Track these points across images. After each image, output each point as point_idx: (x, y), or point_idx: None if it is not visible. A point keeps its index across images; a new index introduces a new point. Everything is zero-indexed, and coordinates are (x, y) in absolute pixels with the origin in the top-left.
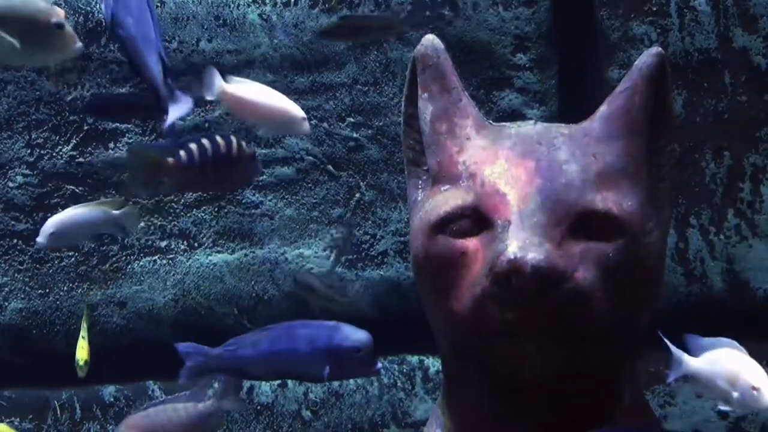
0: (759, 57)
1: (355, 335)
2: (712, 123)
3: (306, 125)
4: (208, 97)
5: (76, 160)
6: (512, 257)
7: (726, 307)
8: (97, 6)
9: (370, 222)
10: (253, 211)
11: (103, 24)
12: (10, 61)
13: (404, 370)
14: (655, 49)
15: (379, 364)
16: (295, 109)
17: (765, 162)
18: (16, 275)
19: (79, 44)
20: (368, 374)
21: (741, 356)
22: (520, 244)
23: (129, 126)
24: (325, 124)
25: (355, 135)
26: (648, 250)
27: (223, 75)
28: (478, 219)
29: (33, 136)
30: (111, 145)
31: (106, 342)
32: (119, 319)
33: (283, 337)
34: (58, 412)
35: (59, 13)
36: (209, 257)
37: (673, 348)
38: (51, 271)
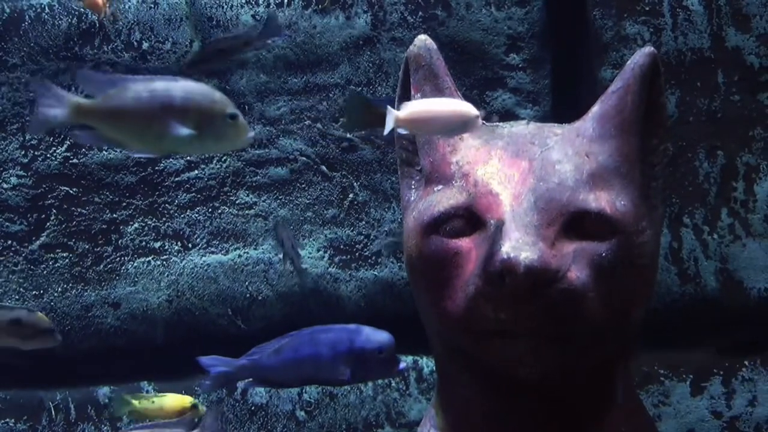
0: (752, 56)
1: (377, 336)
2: (705, 122)
3: (480, 121)
4: (387, 131)
5: (71, 161)
6: (505, 257)
7: (720, 306)
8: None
9: (363, 222)
10: (246, 211)
11: (97, 26)
12: (187, 151)
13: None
14: (648, 49)
15: (403, 364)
16: (467, 109)
17: (758, 161)
18: (10, 276)
19: (252, 134)
20: (391, 375)
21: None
22: (514, 243)
23: None
24: (318, 125)
25: (348, 135)
26: (641, 249)
27: (222, 75)
28: (471, 219)
29: (27, 138)
30: (105, 146)
31: (101, 342)
32: (113, 320)
33: (305, 343)
34: (53, 412)
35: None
36: (203, 258)
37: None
38: (45, 272)
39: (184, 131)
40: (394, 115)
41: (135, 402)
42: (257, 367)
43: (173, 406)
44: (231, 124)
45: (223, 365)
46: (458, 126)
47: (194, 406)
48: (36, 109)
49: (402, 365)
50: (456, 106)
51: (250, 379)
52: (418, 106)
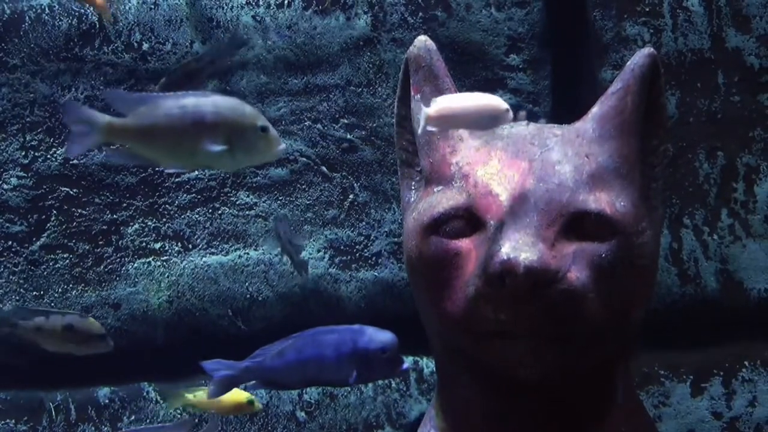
0: (752, 57)
1: (380, 337)
2: (705, 123)
3: (510, 114)
4: (422, 130)
5: (71, 162)
6: (505, 258)
7: (720, 307)
8: (91, 8)
9: (363, 223)
10: (247, 212)
11: (97, 27)
12: (218, 166)
13: None
14: (648, 50)
15: (406, 364)
16: (497, 103)
17: (758, 162)
18: (10, 277)
19: (283, 146)
20: (395, 374)
21: None
22: (513, 244)
23: None
24: (318, 126)
25: (348, 136)
26: (641, 249)
27: (223, 76)
28: (471, 219)
29: (27, 138)
30: (104, 147)
31: None
32: (113, 320)
33: (308, 344)
34: (53, 413)
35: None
36: (203, 259)
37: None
38: (45, 273)
39: (216, 146)
40: (425, 113)
41: (189, 396)
42: (261, 369)
43: (230, 400)
44: (262, 137)
45: (227, 368)
46: (489, 120)
47: (250, 402)
48: (69, 131)
49: (405, 365)
50: (486, 100)
51: (254, 382)
52: (448, 103)
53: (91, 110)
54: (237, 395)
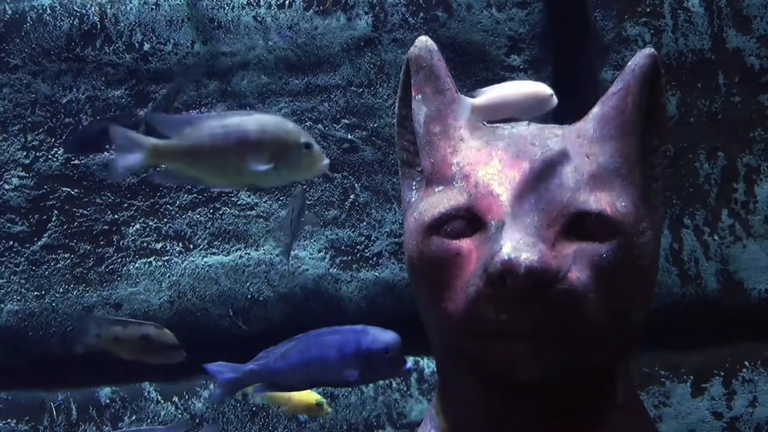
0: (752, 58)
1: (383, 336)
2: (705, 124)
3: (554, 99)
4: (463, 121)
5: (72, 162)
6: (506, 258)
7: (720, 307)
8: (92, 8)
9: (364, 223)
10: (248, 212)
11: (98, 27)
12: (263, 183)
13: None
14: (648, 50)
15: (409, 364)
16: (540, 89)
17: (759, 162)
18: (12, 277)
19: (326, 161)
20: (399, 374)
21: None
22: (514, 244)
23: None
24: (319, 126)
25: (349, 136)
26: (641, 250)
27: (219, 76)
28: (472, 220)
29: (29, 139)
30: (106, 147)
31: None
32: None
33: (312, 345)
34: (54, 413)
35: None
36: (204, 259)
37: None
38: (47, 273)
39: (261, 165)
40: (468, 104)
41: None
42: (265, 371)
43: (299, 401)
44: (306, 153)
45: (231, 372)
46: (533, 107)
47: (319, 404)
48: (114, 155)
49: (409, 364)
50: (530, 87)
51: (258, 384)
52: (493, 92)
53: (136, 134)
54: (307, 396)
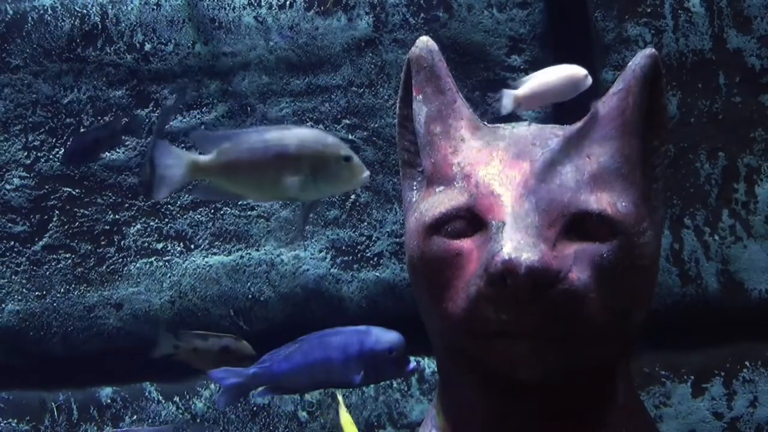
0: (753, 58)
1: (387, 337)
2: (706, 124)
3: (589, 79)
4: (506, 112)
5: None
6: (507, 258)
7: (721, 307)
8: (93, 9)
9: (365, 223)
10: (249, 212)
11: (99, 27)
12: (302, 197)
13: None
14: (649, 50)
15: (413, 364)
16: (574, 71)
17: (759, 163)
18: (12, 277)
19: (367, 173)
20: (402, 375)
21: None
22: (515, 244)
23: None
24: (320, 126)
25: (350, 137)
26: (642, 250)
27: (220, 77)
28: (472, 220)
29: (30, 139)
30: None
31: (103, 343)
32: (116, 320)
33: (315, 347)
34: (55, 413)
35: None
36: (205, 259)
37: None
38: (48, 273)
39: (300, 179)
40: (512, 96)
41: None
42: (269, 374)
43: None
44: (346, 166)
45: (234, 376)
46: (571, 89)
47: None
48: (156, 171)
49: (412, 365)
50: (565, 71)
51: (263, 388)
52: (533, 81)
53: (177, 149)
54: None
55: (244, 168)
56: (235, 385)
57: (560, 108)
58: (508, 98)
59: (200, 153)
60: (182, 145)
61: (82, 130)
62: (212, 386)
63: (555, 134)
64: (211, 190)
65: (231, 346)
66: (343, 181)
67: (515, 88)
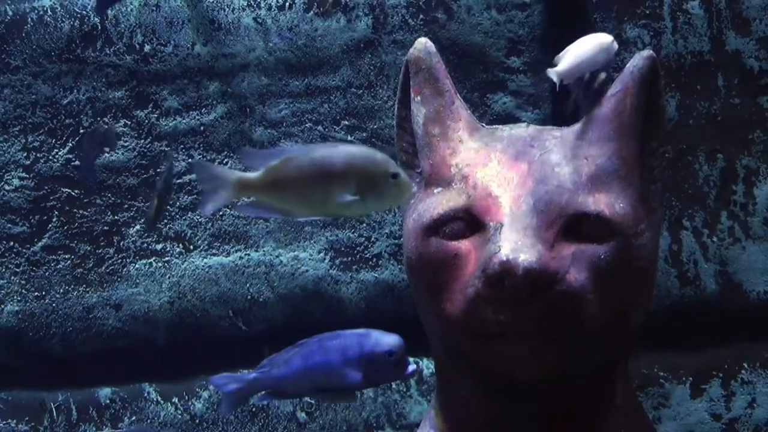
0: (752, 60)
1: (387, 339)
2: (705, 125)
3: (615, 44)
4: (559, 88)
5: (73, 163)
6: (504, 259)
7: (719, 309)
8: (93, 10)
9: (364, 224)
10: None
11: (99, 28)
12: (349, 213)
13: None
14: (647, 52)
15: (413, 366)
16: (602, 38)
17: (758, 164)
18: (12, 278)
19: (414, 189)
20: (403, 377)
21: None
22: (513, 246)
23: (124, 129)
24: (319, 127)
25: (349, 138)
26: (640, 251)
27: (220, 78)
28: (470, 221)
29: (29, 140)
30: (107, 148)
31: (102, 344)
32: (115, 321)
33: (314, 351)
34: (55, 413)
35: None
36: (204, 260)
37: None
38: (47, 273)
39: (347, 197)
40: (555, 74)
41: None
42: (269, 379)
43: None
44: (393, 183)
45: (235, 382)
46: (602, 56)
47: None
48: (201, 190)
49: (413, 367)
50: (593, 40)
51: (263, 393)
52: (569, 56)
53: (222, 168)
54: None
55: (291, 185)
56: (234, 392)
57: (559, 110)
58: (553, 76)
59: (246, 170)
60: (182, 147)
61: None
62: (211, 387)
63: (553, 136)
64: (256, 208)
65: None
66: (390, 198)
67: (555, 65)
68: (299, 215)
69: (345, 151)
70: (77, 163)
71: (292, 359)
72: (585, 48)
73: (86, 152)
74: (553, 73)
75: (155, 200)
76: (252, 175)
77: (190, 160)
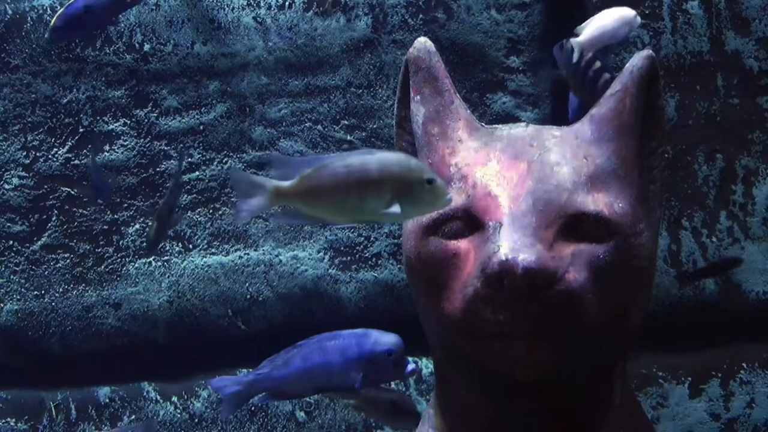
0: (751, 60)
1: (385, 339)
2: (704, 125)
3: (638, 18)
4: (576, 59)
5: (72, 162)
6: (504, 259)
7: (718, 309)
8: None
9: (363, 224)
10: None
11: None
12: (385, 220)
13: None
14: (646, 52)
15: (412, 365)
16: (624, 12)
17: (757, 164)
18: (11, 277)
19: (449, 196)
20: (402, 377)
21: None
22: (512, 245)
23: (124, 128)
24: (319, 127)
25: (349, 137)
26: (639, 251)
27: (219, 77)
28: (469, 220)
29: (29, 139)
30: (106, 147)
31: (101, 343)
32: (114, 320)
33: (314, 352)
34: (54, 412)
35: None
36: (204, 259)
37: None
38: (46, 272)
39: (382, 203)
40: (578, 44)
41: None
42: (268, 380)
43: None
44: (429, 189)
45: (234, 384)
46: (625, 29)
47: None
48: (237, 199)
49: (412, 366)
50: (617, 13)
51: (263, 394)
52: (592, 27)
53: (257, 176)
54: None
55: (325, 193)
56: (234, 394)
57: (559, 109)
58: (575, 46)
59: (281, 179)
60: (181, 146)
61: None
62: (211, 386)
63: (552, 135)
64: (290, 215)
65: (398, 400)
66: (426, 204)
67: (577, 35)
68: (334, 223)
69: (379, 158)
70: (92, 181)
71: (292, 360)
72: (608, 20)
73: (99, 170)
74: (575, 44)
75: (155, 223)
76: (287, 183)
77: (189, 158)
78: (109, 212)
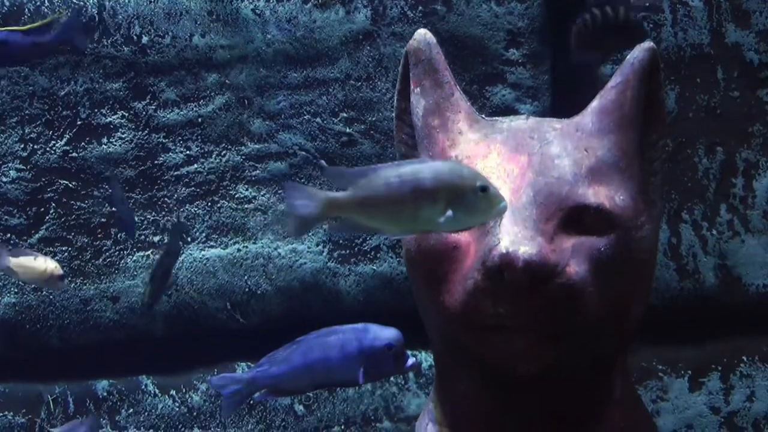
0: (751, 52)
1: (385, 333)
2: (704, 118)
3: None
4: None
5: (70, 155)
6: (504, 251)
7: (718, 302)
8: (91, 1)
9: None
10: (246, 205)
11: (96, 19)
12: (439, 229)
13: None
14: (647, 44)
15: (412, 359)
16: None
17: (757, 157)
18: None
19: (505, 203)
20: (402, 371)
21: None
22: (512, 238)
23: (122, 121)
24: (318, 119)
25: (348, 130)
26: (639, 244)
27: (218, 69)
28: None
29: (26, 131)
30: (104, 140)
31: (99, 336)
32: (112, 313)
33: (314, 347)
34: (52, 406)
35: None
36: (202, 252)
37: None
38: None
39: (437, 212)
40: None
41: None
42: (268, 377)
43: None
44: (482, 197)
45: (234, 383)
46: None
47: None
48: (290, 210)
49: (412, 360)
50: None
51: (264, 391)
52: None
53: (310, 188)
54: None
55: (380, 203)
56: (234, 393)
57: (559, 102)
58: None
59: (335, 190)
60: (180, 139)
61: None
62: (209, 379)
63: (553, 127)
64: (346, 226)
65: None
66: (480, 212)
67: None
68: (389, 233)
69: (433, 167)
70: (116, 216)
71: (291, 356)
72: None
73: (125, 204)
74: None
75: (150, 285)
76: (340, 194)
77: (188, 151)
78: (107, 205)
